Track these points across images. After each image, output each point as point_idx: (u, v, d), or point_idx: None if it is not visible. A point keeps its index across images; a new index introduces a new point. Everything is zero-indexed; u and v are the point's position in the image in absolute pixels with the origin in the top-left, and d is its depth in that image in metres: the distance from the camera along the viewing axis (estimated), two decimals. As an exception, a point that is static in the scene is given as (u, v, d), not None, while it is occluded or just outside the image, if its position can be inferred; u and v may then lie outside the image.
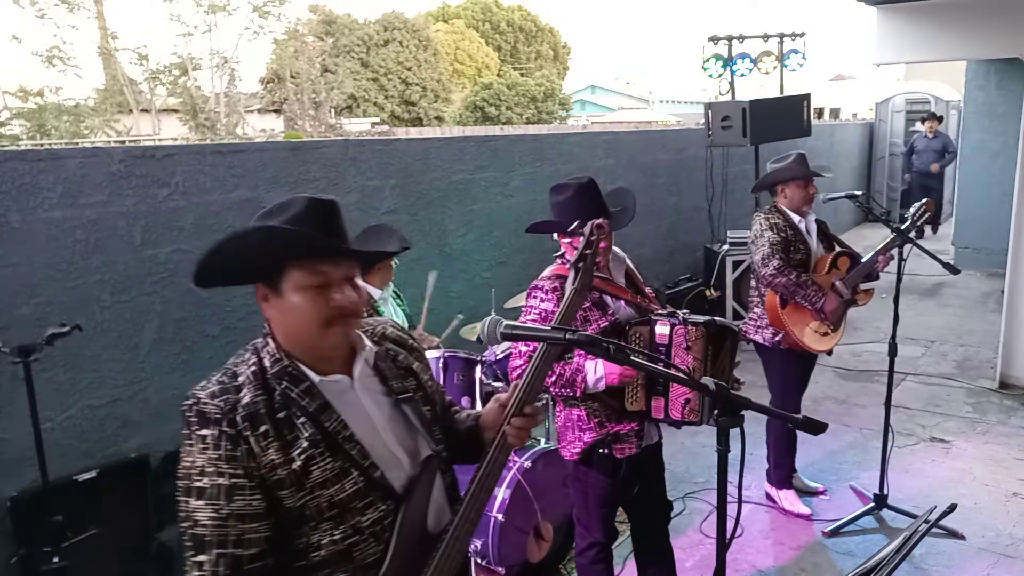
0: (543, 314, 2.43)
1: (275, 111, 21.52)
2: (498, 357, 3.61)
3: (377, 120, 23.96)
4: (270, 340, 1.40)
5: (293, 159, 3.83)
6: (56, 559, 2.55)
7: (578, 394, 2.40)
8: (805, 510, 3.84)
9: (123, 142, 14.29)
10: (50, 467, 2.64)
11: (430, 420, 1.53)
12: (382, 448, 1.42)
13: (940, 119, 11.20)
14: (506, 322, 1.51)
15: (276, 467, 1.30)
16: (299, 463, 1.31)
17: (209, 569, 1.25)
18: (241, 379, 1.35)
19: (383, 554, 1.38)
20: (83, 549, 2.70)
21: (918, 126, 11.56)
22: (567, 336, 1.47)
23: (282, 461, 1.31)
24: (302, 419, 1.34)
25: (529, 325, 1.61)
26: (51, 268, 2.95)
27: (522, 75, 31.88)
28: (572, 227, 2.14)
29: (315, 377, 1.38)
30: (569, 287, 1.81)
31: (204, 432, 1.29)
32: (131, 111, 17.13)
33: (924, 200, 3.73)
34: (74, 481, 2.92)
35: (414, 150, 4.58)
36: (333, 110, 20.84)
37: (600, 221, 2.01)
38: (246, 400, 1.32)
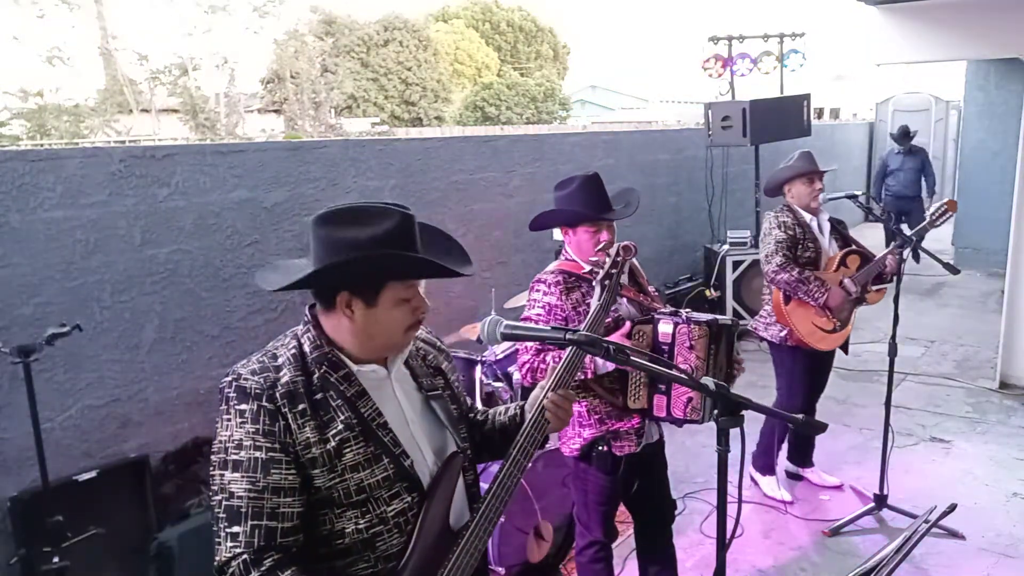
0: (547, 307, 2.44)
1: (275, 111, 21.54)
2: (498, 357, 3.62)
3: (377, 120, 23.96)
4: (311, 328, 1.44)
5: (293, 159, 3.83)
6: (56, 559, 2.55)
7: (589, 376, 2.39)
8: (786, 496, 3.88)
9: (123, 142, 14.29)
10: (50, 467, 2.64)
11: (456, 418, 1.57)
12: (410, 441, 1.46)
13: (913, 135, 9.39)
14: (506, 322, 1.52)
15: (311, 445, 1.34)
16: (333, 444, 1.36)
17: (243, 539, 1.28)
18: (281, 360, 1.40)
19: (405, 546, 1.41)
20: (83, 549, 2.70)
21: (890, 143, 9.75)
22: (567, 336, 1.48)
23: (317, 440, 1.35)
24: (339, 402, 1.39)
25: (529, 325, 1.61)
26: (51, 268, 2.95)
27: (522, 75, 31.87)
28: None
29: (353, 366, 1.43)
30: (594, 303, 1.84)
31: (243, 407, 1.33)
32: (131, 111, 17.14)
33: (945, 200, 3.73)
34: (74, 481, 2.92)
35: (414, 150, 4.58)
36: (333, 110, 20.87)
37: (628, 243, 2.08)
38: (285, 379, 1.36)
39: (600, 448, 2.50)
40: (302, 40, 21.42)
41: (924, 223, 3.68)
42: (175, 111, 17.85)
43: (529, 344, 2.41)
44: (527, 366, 2.43)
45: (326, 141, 4.16)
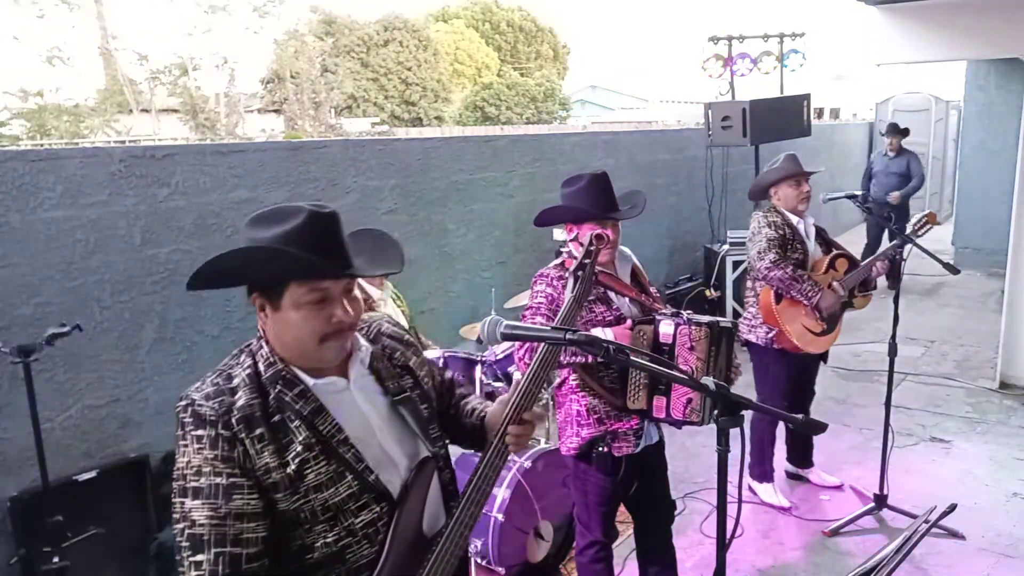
0: (549, 298, 2.45)
1: (275, 111, 21.56)
2: (498, 357, 3.62)
3: (377, 120, 23.97)
4: (264, 344, 1.39)
5: (293, 159, 3.83)
6: (56, 559, 2.55)
7: (590, 360, 2.39)
8: (785, 503, 3.87)
9: (123, 142, 14.30)
10: (50, 467, 2.64)
11: (427, 419, 1.52)
12: (377, 449, 1.42)
13: (904, 132, 8.29)
14: (506, 322, 1.51)
15: (271, 470, 1.31)
16: (293, 467, 1.31)
17: (208, 568, 1.24)
18: (236, 381, 1.35)
19: (376, 556, 1.37)
20: (83, 549, 2.70)
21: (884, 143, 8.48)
22: (567, 336, 1.47)
23: (276, 464, 1.31)
24: (296, 423, 1.34)
25: (529, 325, 1.61)
26: (51, 268, 2.95)
27: (522, 75, 31.87)
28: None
29: (309, 380, 1.38)
30: (568, 295, 1.81)
31: (200, 432, 1.29)
32: (131, 111, 17.16)
33: (926, 212, 3.73)
34: (74, 481, 2.92)
35: (414, 150, 4.58)
36: (333, 110, 20.88)
37: (600, 231, 2.04)
38: (241, 403, 1.32)
39: (599, 449, 2.51)
40: (302, 40, 21.44)
41: (906, 233, 3.66)
42: (175, 111, 17.87)
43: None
44: (524, 361, 2.43)
45: (326, 141, 4.16)
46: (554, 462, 3.21)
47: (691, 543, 3.53)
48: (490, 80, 29.95)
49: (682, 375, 1.63)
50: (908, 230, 3.64)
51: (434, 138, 5.14)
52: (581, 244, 1.98)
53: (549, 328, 1.53)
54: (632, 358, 1.51)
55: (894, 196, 8.00)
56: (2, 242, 2.81)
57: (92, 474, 2.97)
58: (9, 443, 2.85)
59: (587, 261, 1.90)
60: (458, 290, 4.86)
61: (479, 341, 3.55)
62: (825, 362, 3.96)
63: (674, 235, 7.24)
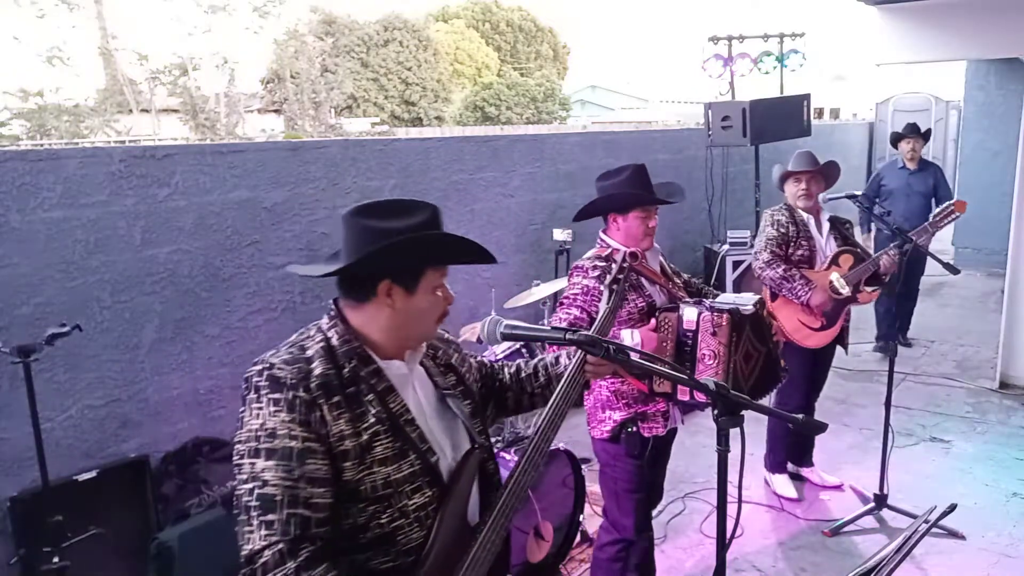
0: (584, 289, 2.51)
1: (275, 111, 21.57)
2: (498, 357, 3.61)
3: (377, 120, 23.98)
4: (339, 323, 1.45)
5: (293, 159, 3.83)
6: (56, 559, 2.55)
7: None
8: (794, 494, 3.91)
9: (123, 142, 14.30)
10: (50, 467, 2.64)
11: (471, 414, 1.59)
12: (430, 435, 1.47)
13: (926, 136, 6.07)
14: (506, 322, 1.53)
15: (344, 438, 1.35)
16: (365, 437, 1.37)
17: (280, 527, 1.27)
18: (310, 352, 1.40)
19: (424, 540, 1.41)
20: (83, 549, 2.70)
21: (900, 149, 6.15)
22: (567, 336, 1.48)
23: (350, 433, 1.36)
24: (370, 396, 1.40)
25: (529, 325, 1.62)
26: (51, 268, 2.95)
27: (522, 75, 31.87)
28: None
29: (380, 362, 1.45)
30: (602, 307, 1.93)
31: (277, 395, 1.33)
32: (131, 111, 17.17)
33: (953, 200, 3.68)
34: (74, 481, 2.92)
35: (414, 150, 4.57)
36: (333, 110, 20.90)
37: (634, 249, 2.21)
38: (318, 371, 1.37)
39: (629, 429, 2.57)
40: (302, 40, 21.43)
41: (925, 224, 3.67)
42: (175, 111, 17.88)
43: (575, 292, 2.50)
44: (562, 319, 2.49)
45: (326, 141, 4.16)
46: (554, 462, 3.21)
47: (691, 543, 3.53)
48: (490, 80, 29.94)
49: (682, 375, 1.63)
50: (928, 220, 3.65)
51: (434, 138, 5.13)
52: (615, 261, 2.16)
53: (549, 328, 1.54)
54: (632, 358, 1.51)
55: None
56: (2, 242, 2.81)
57: (92, 474, 2.97)
58: (9, 443, 2.85)
59: (620, 276, 2.02)
60: (458, 290, 4.86)
61: (479, 341, 3.55)
62: (847, 352, 4.00)
63: (674, 235, 7.23)
